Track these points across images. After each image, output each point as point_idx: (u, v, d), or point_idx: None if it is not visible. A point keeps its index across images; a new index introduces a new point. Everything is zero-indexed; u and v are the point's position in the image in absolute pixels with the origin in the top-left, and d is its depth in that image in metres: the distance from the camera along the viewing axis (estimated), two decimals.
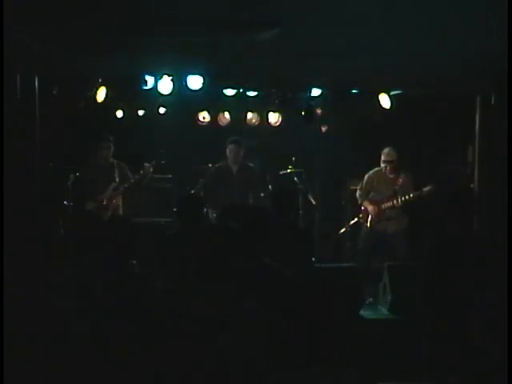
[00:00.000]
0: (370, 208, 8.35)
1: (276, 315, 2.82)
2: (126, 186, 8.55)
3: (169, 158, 8.90)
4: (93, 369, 3.87)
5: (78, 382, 3.92)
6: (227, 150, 8.90)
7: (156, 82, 7.83)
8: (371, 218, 8.33)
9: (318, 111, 9.03)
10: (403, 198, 8.13)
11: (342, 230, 9.08)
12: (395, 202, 8.17)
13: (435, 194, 8.02)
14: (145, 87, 7.87)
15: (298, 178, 9.22)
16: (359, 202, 8.54)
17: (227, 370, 3.50)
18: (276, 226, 5.76)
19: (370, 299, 7.53)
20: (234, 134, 9.46)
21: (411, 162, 8.60)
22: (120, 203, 8.62)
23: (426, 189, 8.03)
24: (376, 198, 8.39)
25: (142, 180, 8.66)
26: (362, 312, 6.85)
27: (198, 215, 5.92)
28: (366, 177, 8.48)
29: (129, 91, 8.25)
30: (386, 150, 8.30)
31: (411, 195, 8.10)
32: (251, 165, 8.95)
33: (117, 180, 8.53)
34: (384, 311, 7.10)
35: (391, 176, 8.30)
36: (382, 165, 8.32)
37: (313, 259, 8.76)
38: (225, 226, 3.83)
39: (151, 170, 8.65)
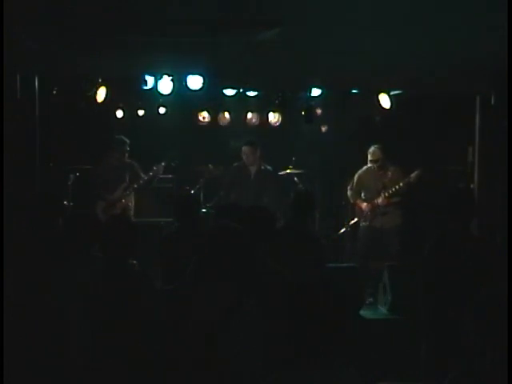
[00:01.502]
0: (364, 205, 8.44)
1: (276, 315, 2.82)
2: (135, 185, 8.61)
3: (174, 154, 8.91)
4: (92, 369, 3.87)
5: (77, 381, 3.92)
6: (242, 153, 8.77)
7: (156, 81, 7.83)
8: (366, 215, 8.39)
9: (318, 111, 9.03)
10: (393, 189, 8.20)
11: (342, 230, 9.07)
12: (386, 194, 8.23)
13: (426, 182, 8.12)
14: (145, 87, 7.87)
15: (297, 178, 9.22)
16: (351, 202, 8.62)
17: (227, 370, 3.50)
18: (279, 226, 5.80)
19: (370, 299, 7.53)
20: (234, 134, 9.47)
21: (411, 162, 8.60)
22: (132, 204, 8.69)
23: (413, 174, 8.12)
24: (367, 195, 8.45)
25: (151, 181, 8.71)
26: (361, 312, 6.85)
27: (195, 216, 5.92)
28: (356, 176, 8.58)
29: (129, 91, 8.26)
30: (371, 150, 8.38)
31: (401, 184, 8.17)
32: (269, 168, 8.85)
33: (127, 180, 8.59)
34: (384, 311, 7.10)
35: (380, 172, 8.38)
36: (369, 164, 8.38)
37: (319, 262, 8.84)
38: (225, 226, 3.82)
39: (161, 171, 8.69)
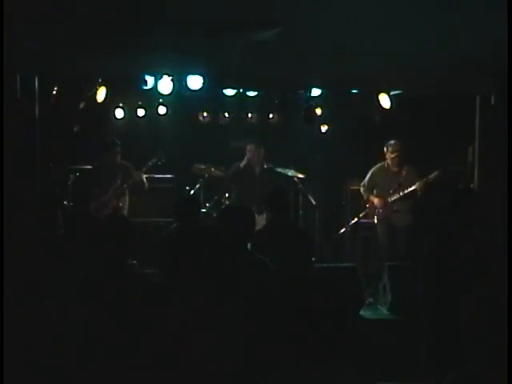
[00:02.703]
0: (376, 201, 8.45)
1: (275, 315, 2.82)
2: (125, 186, 8.58)
3: (169, 158, 8.89)
4: (92, 369, 3.87)
5: (77, 381, 3.92)
6: (247, 151, 8.86)
7: (156, 81, 7.83)
8: (378, 211, 8.40)
9: (318, 111, 9.03)
10: (410, 188, 8.20)
11: (342, 230, 9.07)
12: (401, 193, 8.24)
13: (441, 181, 8.11)
14: (145, 87, 7.86)
15: (297, 178, 9.22)
16: (364, 198, 8.61)
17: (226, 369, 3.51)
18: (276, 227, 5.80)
19: (370, 299, 7.53)
20: (234, 134, 9.47)
21: (411, 161, 8.61)
22: (125, 204, 8.67)
23: (431, 175, 8.12)
24: (381, 192, 8.45)
25: (142, 182, 8.68)
26: (361, 312, 6.85)
27: (195, 216, 5.92)
28: (370, 173, 8.58)
29: (129, 91, 8.25)
30: (392, 142, 8.39)
31: (417, 184, 8.15)
32: (271, 166, 8.93)
33: (118, 181, 8.58)
34: (384, 311, 7.10)
35: (394, 170, 8.39)
36: (392, 155, 8.36)
37: (313, 259, 8.84)
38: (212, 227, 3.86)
39: (143, 176, 8.67)
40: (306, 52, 6.46)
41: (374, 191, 8.54)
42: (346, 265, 8.03)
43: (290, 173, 9.14)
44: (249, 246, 4.75)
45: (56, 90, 7.99)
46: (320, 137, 9.76)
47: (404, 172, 8.35)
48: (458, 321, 2.59)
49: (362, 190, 8.65)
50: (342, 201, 9.57)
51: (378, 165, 8.54)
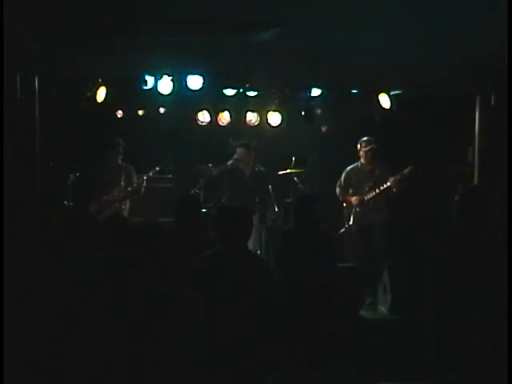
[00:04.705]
0: (354, 199, 8.50)
1: (276, 315, 2.83)
2: (129, 189, 8.58)
3: (168, 159, 8.89)
4: (92, 368, 3.86)
5: (77, 381, 3.92)
6: (236, 154, 8.86)
7: (156, 82, 7.83)
8: (355, 210, 8.44)
9: (318, 111, 9.03)
10: (384, 185, 8.28)
11: (342, 230, 9.07)
12: (377, 190, 8.30)
13: (419, 176, 8.26)
14: (145, 87, 7.87)
15: (297, 178, 9.22)
16: (340, 199, 8.67)
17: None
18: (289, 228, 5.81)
19: (370, 299, 7.53)
20: (234, 134, 9.46)
21: (411, 162, 8.61)
22: (127, 206, 8.66)
23: (405, 170, 8.17)
24: (356, 191, 8.51)
25: (138, 191, 8.66)
26: (361, 312, 6.86)
27: (195, 216, 5.93)
28: (344, 174, 8.64)
29: (129, 91, 8.25)
30: (365, 138, 8.46)
31: (392, 179, 8.23)
32: (262, 169, 8.92)
33: (122, 183, 8.57)
34: (384, 311, 7.10)
35: (368, 168, 8.46)
36: (366, 149, 8.40)
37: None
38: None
39: (144, 183, 8.66)
40: (306, 52, 6.46)
41: (350, 191, 8.59)
42: (345, 265, 8.03)
43: (289, 169, 9.16)
44: (252, 248, 4.75)
45: (56, 90, 7.99)
46: (320, 137, 9.75)
47: (378, 171, 8.43)
48: (458, 321, 2.60)
49: (337, 190, 8.69)
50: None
51: (351, 166, 8.61)
